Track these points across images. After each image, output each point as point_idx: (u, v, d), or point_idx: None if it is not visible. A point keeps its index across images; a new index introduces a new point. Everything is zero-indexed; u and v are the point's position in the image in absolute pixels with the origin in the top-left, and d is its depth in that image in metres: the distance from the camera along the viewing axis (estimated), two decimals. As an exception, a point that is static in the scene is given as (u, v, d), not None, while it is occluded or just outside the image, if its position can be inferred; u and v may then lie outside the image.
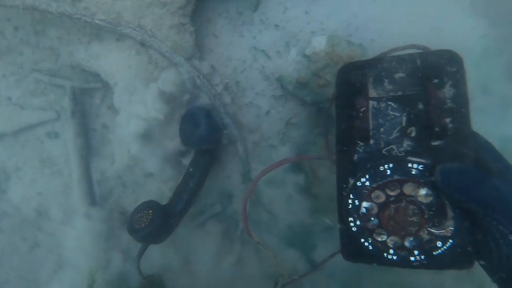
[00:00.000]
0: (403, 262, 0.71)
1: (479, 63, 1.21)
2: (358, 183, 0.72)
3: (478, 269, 1.19)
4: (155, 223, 1.02)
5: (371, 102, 0.74)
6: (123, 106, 1.15)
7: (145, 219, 1.03)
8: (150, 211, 1.04)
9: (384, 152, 0.72)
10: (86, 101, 1.26)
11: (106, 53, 1.08)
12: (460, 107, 0.72)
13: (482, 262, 0.67)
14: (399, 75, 0.75)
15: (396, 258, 0.71)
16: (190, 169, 1.18)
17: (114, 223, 1.28)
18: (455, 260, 0.68)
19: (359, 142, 0.74)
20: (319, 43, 1.03)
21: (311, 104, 1.19)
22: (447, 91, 0.72)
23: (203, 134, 1.08)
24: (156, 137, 1.17)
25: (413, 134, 0.72)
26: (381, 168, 0.71)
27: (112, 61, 1.08)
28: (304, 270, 1.29)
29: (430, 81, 0.71)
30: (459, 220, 0.67)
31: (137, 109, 1.11)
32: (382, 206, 0.71)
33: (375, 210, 0.71)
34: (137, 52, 1.06)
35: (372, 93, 0.75)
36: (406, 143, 0.72)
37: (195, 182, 1.16)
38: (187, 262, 1.34)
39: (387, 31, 1.16)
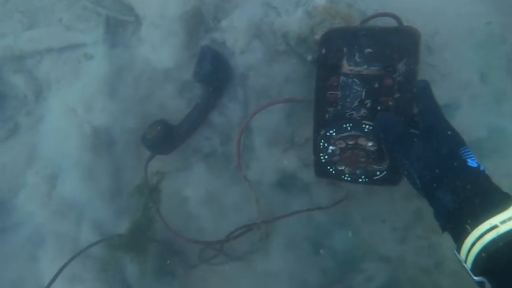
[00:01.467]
0: (354, 181, 1.04)
1: (480, 50, 1.24)
2: (327, 133, 1.00)
3: (439, 247, 1.30)
4: (160, 136, 1.29)
5: (341, 77, 0.98)
6: (148, 39, 1.35)
7: (153, 132, 1.29)
8: (159, 127, 1.30)
9: (347, 115, 0.99)
10: (120, 32, 1.48)
11: (139, -13, 1.27)
12: (408, 83, 0.93)
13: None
14: (368, 50, 0.96)
15: (350, 178, 1.04)
16: (198, 101, 1.39)
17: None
18: (386, 181, 1.02)
19: (330, 106, 1.00)
20: (321, 0, 1.15)
21: (310, 62, 1.31)
22: (401, 67, 0.92)
23: (206, 71, 1.26)
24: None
25: (368, 105, 0.97)
26: (344, 125, 0.98)
27: (144, -4, 1.27)
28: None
29: (386, 68, 0.92)
30: (391, 161, 0.97)
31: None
32: (342, 149, 0.99)
33: (338, 151, 1.00)
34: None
35: (345, 66, 0.97)
36: (363, 111, 0.98)
37: (199, 112, 1.38)
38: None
39: (391, 4, 1.24)
